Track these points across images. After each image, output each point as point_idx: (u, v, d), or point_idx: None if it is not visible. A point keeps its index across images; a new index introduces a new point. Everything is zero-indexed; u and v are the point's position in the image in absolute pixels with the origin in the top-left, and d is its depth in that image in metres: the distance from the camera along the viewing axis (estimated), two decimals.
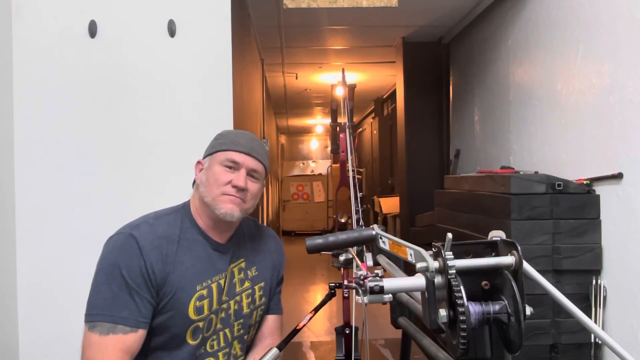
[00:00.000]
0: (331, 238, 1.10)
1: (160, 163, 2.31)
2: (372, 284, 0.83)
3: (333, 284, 1.55)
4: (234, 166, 1.40)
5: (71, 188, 2.27)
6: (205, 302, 1.38)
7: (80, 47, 2.28)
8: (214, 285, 1.40)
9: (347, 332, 1.98)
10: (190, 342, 1.38)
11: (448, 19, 4.51)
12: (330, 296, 1.51)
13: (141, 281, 1.31)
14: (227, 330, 1.44)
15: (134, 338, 1.31)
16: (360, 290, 0.87)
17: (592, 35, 2.66)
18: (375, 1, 3.56)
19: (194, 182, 1.48)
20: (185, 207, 1.46)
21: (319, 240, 1.11)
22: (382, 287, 0.83)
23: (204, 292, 1.38)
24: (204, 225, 1.43)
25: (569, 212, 2.57)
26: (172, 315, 1.35)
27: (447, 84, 5.08)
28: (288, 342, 1.37)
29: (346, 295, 2.08)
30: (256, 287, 1.50)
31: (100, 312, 1.30)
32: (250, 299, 1.48)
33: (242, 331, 1.48)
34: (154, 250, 1.34)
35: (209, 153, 1.44)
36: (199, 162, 1.47)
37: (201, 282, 1.38)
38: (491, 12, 4.00)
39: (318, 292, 6.26)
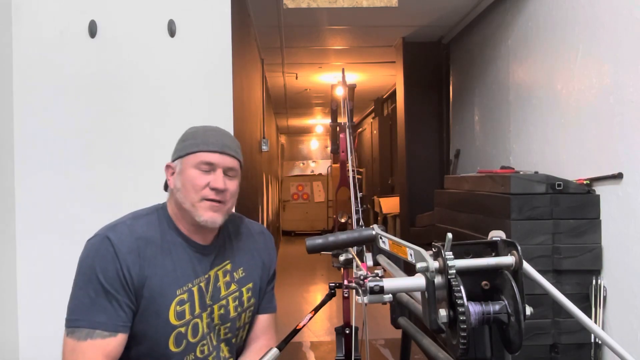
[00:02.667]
0: (331, 238, 1.10)
1: (160, 163, 2.28)
2: (372, 284, 0.83)
3: (333, 284, 1.55)
4: (209, 168, 1.34)
5: (71, 188, 2.27)
6: (187, 307, 1.34)
7: (80, 47, 2.28)
8: (194, 289, 1.35)
9: (347, 332, 1.98)
10: (173, 349, 1.33)
11: (448, 19, 4.51)
12: (330, 296, 1.51)
13: (118, 285, 1.28)
14: (212, 335, 1.39)
15: (113, 343, 1.27)
16: (360, 290, 0.87)
17: (592, 35, 2.66)
18: (375, 1, 3.55)
19: (166, 185, 1.42)
20: (163, 209, 1.40)
21: (319, 240, 1.10)
22: (382, 287, 0.83)
23: (185, 296, 1.34)
24: (185, 229, 1.38)
25: (569, 212, 2.57)
26: (152, 321, 1.31)
27: (447, 84, 5.08)
28: (288, 342, 1.37)
29: (346, 295, 2.08)
30: (244, 289, 1.45)
31: (78, 317, 1.27)
32: (237, 302, 1.43)
33: (229, 335, 1.43)
34: (131, 253, 1.30)
35: (179, 156, 1.37)
36: (168, 166, 1.40)
37: (181, 286, 1.34)
38: (491, 12, 4.00)
39: (318, 292, 6.25)
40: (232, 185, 1.37)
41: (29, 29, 2.27)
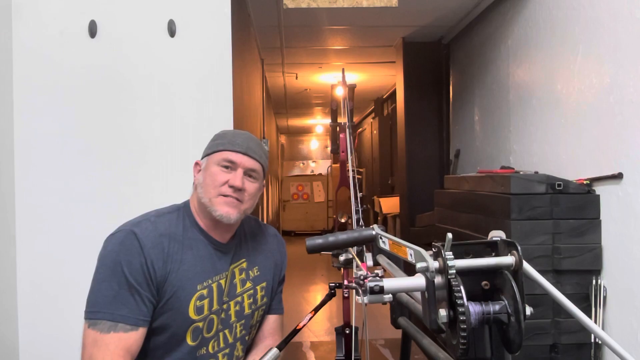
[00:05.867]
0: (331, 238, 1.10)
1: (160, 163, 2.31)
2: (372, 284, 0.83)
3: (333, 284, 1.55)
4: (230, 166, 1.39)
5: (71, 188, 2.27)
6: (206, 302, 1.38)
7: (80, 47, 2.28)
8: (214, 285, 1.40)
9: (347, 332, 1.98)
10: (190, 342, 1.37)
11: (448, 19, 4.51)
12: (330, 296, 1.51)
13: (142, 279, 1.31)
14: (227, 331, 1.43)
15: (135, 337, 1.30)
16: (360, 290, 0.87)
17: (592, 35, 2.66)
18: (375, 1, 3.56)
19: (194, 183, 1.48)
20: (185, 207, 1.45)
21: (319, 240, 1.10)
22: (382, 287, 0.83)
23: (205, 291, 1.38)
24: (205, 225, 1.42)
25: (569, 212, 2.56)
26: (172, 314, 1.35)
27: (447, 84, 5.08)
28: (288, 342, 1.37)
29: (346, 295, 2.08)
30: (258, 287, 1.50)
31: (101, 309, 1.29)
32: (251, 300, 1.48)
33: (243, 332, 1.47)
34: (155, 248, 1.33)
35: (207, 154, 1.44)
36: (196, 164, 1.47)
37: (202, 281, 1.38)
38: (491, 12, 4.00)
39: (318, 292, 6.26)
40: (252, 187, 1.42)
41: (29, 29, 2.26)
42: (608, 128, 2.53)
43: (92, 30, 2.27)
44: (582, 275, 2.56)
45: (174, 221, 1.41)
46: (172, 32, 2.31)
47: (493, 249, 0.87)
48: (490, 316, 0.82)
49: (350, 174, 1.89)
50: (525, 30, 3.41)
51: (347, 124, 2.13)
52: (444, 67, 5.10)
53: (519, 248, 0.82)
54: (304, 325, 1.43)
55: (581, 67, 2.76)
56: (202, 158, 1.46)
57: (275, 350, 1.35)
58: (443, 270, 0.78)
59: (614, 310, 2.51)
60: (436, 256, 0.80)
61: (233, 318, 1.44)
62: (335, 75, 6.29)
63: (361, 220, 1.75)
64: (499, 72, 3.85)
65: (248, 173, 1.41)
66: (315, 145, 14.55)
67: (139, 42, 2.31)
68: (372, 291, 0.83)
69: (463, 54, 4.72)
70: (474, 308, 0.81)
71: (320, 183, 12.35)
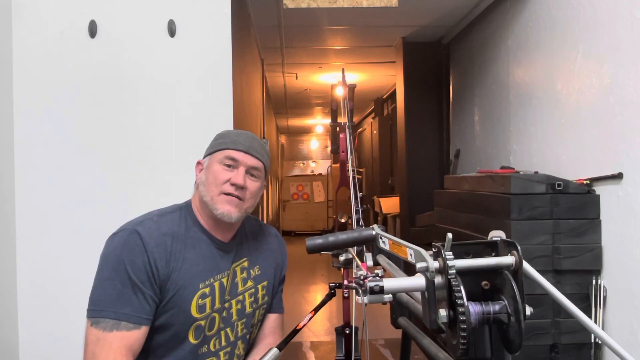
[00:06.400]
0: (331, 238, 1.10)
1: (160, 163, 2.31)
2: (372, 284, 0.83)
3: (333, 284, 1.55)
4: (232, 164, 1.40)
5: (71, 188, 2.27)
6: (208, 300, 1.38)
7: (80, 47, 2.28)
8: (216, 284, 1.40)
9: (347, 332, 1.98)
10: (192, 341, 1.38)
11: (448, 19, 4.51)
12: (330, 296, 1.51)
13: (145, 277, 1.32)
14: (228, 330, 1.44)
15: (137, 335, 1.31)
16: (360, 290, 0.87)
17: (592, 35, 2.66)
18: (375, 1, 3.56)
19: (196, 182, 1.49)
20: (187, 206, 1.46)
21: (319, 240, 1.11)
22: (382, 287, 0.83)
23: (207, 290, 1.38)
24: (206, 224, 1.43)
25: (569, 212, 2.57)
26: (175, 313, 1.35)
27: (447, 84, 5.08)
28: (288, 342, 1.37)
29: (346, 295, 2.08)
30: (259, 287, 1.51)
31: (104, 308, 1.30)
32: (253, 298, 1.49)
33: (245, 331, 1.48)
34: (158, 247, 1.34)
35: (209, 153, 1.45)
36: (199, 163, 1.48)
37: (204, 280, 1.39)
38: (491, 12, 4.00)
39: (318, 292, 6.26)
40: (253, 185, 1.42)
41: (29, 29, 2.26)
42: (608, 128, 2.53)
43: (92, 30, 2.27)
44: (582, 275, 2.56)
45: (176, 220, 1.41)
46: (172, 32, 2.31)
47: (493, 249, 0.87)
48: (490, 316, 0.82)
49: (350, 174, 1.89)
50: (525, 30, 3.41)
51: (347, 124, 2.13)
52: (444, 67, 5.10)
53: (519, 248, 0.82)
54: (304, 325, 1.43)
55: (581, 67, 2.76)
56: (204, 157, 1.47)
57: (275, 350, 1.36)
58: (443, 270, 0.78)
59: (614, 310, 2.51)
60: (436, 256, 0.80)
61: (234, 317, 1.44)
62: (335, 75, 6.29)
63: (361, 220, 1.75)
64: (499, 72, 3.85)
65: (250, 171, 1.41)
66: (315, 145, 14.55)
67: (139, 42, 2.31)
68: (372, 291, 0.83)
69: (463, 54, 4.72)
70: (474, 308, 0.81)
71: (320, 183, 12.35)
